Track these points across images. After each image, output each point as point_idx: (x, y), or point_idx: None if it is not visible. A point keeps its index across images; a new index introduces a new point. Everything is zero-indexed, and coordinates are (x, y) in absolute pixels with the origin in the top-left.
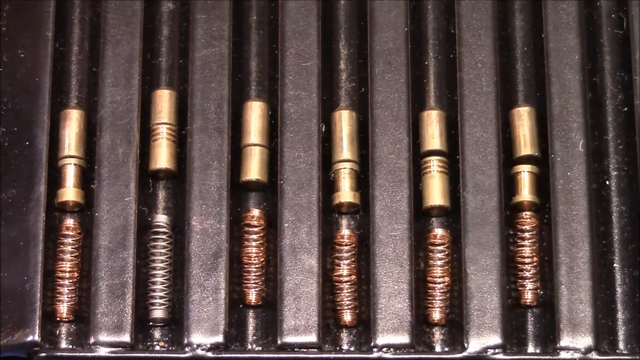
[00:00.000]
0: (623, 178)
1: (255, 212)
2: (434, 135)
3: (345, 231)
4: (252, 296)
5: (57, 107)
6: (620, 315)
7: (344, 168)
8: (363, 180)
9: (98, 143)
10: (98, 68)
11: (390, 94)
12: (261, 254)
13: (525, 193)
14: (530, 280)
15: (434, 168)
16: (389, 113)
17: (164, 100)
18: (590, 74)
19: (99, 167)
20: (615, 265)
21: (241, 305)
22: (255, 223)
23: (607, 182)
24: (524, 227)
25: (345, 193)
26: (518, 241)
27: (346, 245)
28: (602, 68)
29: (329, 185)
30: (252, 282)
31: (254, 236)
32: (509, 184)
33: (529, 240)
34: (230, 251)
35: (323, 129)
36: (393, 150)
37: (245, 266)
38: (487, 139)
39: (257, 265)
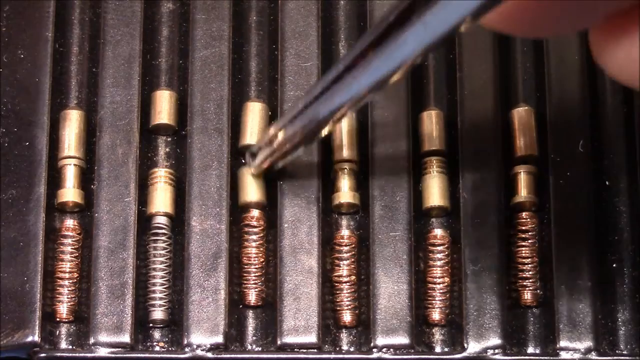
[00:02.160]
0: (623, 178)
1: (255, 212)
2: (434, 135)
3: (345, 231)
4: (252, 297)
5: (57, 108)
6: (620, 315)
7: (344, 168)
8: (363, 180)
9: (98, 143)
10: (98, 68)
11: (390, 94)
12: (261, 255)
13: (525, 193)
14: (530, 280)
15: (434, 168)
16: (389, 113)
17: (163, 101)
18: (590, 74)
19: (99, 168)
20: (615, 265)
21: (241, 306)
22: (255, 223)
23: (607, 182)
24: (523, 227)
25: (345, 193)
26: (518, 241)
27: (346, 245)
28: (602, 68)
29: (329, 185)
30: (252, 282)
31: (254, 237)
32: (508, 184)
33: (529, 240)
34: (230, 251)
35: None
36: (393, 150)
37: (245, 267)
38: (487, 139)
39: (257, 266)
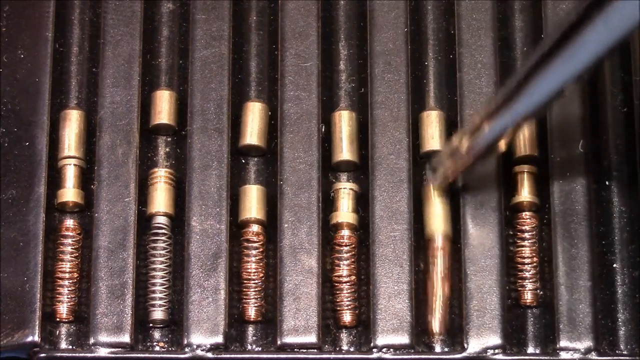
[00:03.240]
0: (623, 178)
1: (255, 227)
2: (434, 135)
3: (345, 231)
4: (252, 312)
5: (57, 108)
6: (620, 316)
7: (345, 188)
8: (363, 181)
9: (98, 143)
10: (98, 68)
11: (390, 94)
12: (261, 270)
13: (525, 193)
14: (530, 280)
15: None
16: (389, 113)
17: (163, 101)
18: (590, 74)
19: (99, 168)
20: (615, 265)
21: (240, 307)
22: (255, 239)
23: (607, 182)
24: (523, 227)
25: (344, 214)
26: (518, 241)
27: (346, 245)
28: (601, 68)
29: (328, 185)
30: (252, 297)
31: (254, 252)
32: (508, 184)
33: (529, 241)
34: (230, 252)
35: (323, 130)
36: (393, 151)
37: (245, 282)
38: None
39: (256, 281)
